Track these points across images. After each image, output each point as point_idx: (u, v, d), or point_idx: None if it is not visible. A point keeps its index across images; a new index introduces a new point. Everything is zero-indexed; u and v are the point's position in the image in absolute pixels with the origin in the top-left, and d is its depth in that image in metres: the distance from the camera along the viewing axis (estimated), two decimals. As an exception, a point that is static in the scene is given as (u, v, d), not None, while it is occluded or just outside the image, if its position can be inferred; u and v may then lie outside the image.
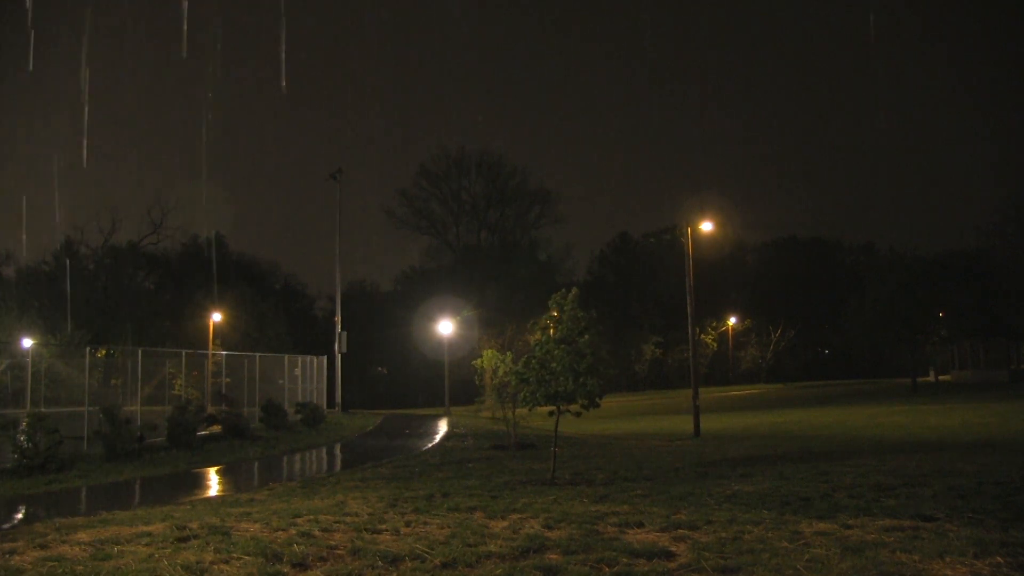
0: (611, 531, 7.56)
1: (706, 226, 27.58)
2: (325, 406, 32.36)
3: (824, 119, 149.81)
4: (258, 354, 29.25)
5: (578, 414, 11.85)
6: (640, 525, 7.79)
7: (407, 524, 8.14)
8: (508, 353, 16.28)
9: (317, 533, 7.64)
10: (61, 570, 6.31)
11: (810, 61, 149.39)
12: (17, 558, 6.80)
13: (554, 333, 11.84)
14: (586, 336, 11.60)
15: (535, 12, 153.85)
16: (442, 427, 27.23)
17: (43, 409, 18.40)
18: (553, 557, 6.51)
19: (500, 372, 15.85)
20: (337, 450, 21.01)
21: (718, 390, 64.34)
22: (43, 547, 7.23)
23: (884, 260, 57.09)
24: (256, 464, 17.75)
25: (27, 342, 34.93)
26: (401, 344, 65.42)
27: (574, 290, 12.05)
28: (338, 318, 39.99)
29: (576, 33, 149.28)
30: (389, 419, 33.18)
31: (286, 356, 32.08)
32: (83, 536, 7.75)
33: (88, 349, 23.15)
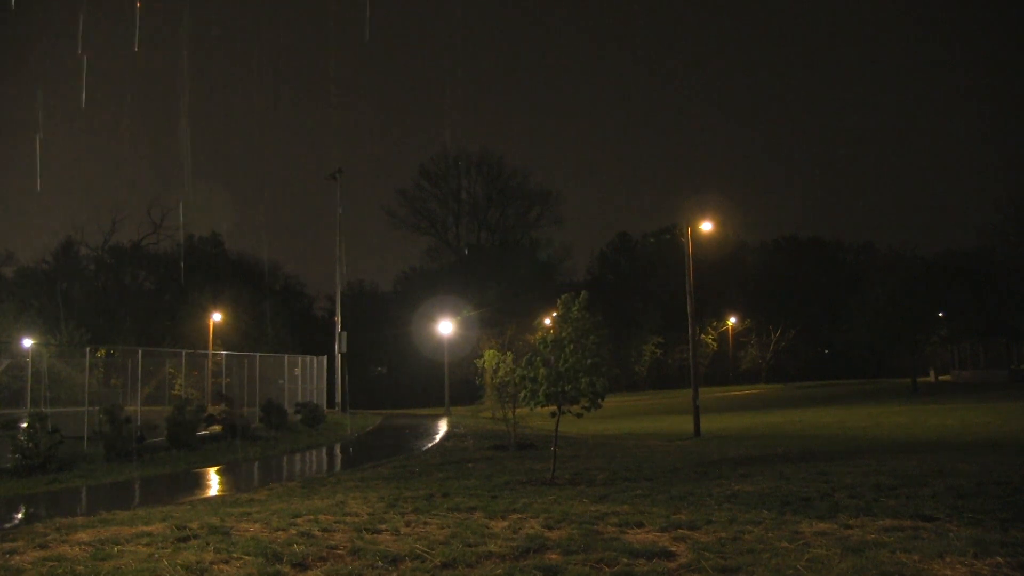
0: (611, 531, 7.55)
1: (706, 226, 27.63)
2: (325, 406, 32.35)
3: (824, 119, 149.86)
4: (258, 354, 29.23)
5: (580, 415, 11.88)
6: (640, 525, 7.78)
7: (407, 524, 8.13)
8: (508, 353, 16.26)
9: (317, 533, 7.63)
10: (61, 570, 6.30)
11: (810, 61, 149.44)
12: (17, 558, 6.79)
13: (559, 333, 11.87)
14: (592, 337, 11.66)
15: (535, 12, 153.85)
16: (442, 427, 27.22)
17: (43, 409, 18.39)
18: (553, 557, 6.50)
19: (500, 372, 15.83)
20: (337, 450, 21.00)
21: (718, 390, 64.33)
22: (43, 547, 7.22)
23: (884, 260, 57.17)
24: (256, 464, 17.75)
25: (27, 342, 34.87)
26: (401, 344, 65.42)
27: (583, 293, 12.11)
28: (338, 318, 40.00)
29: (576, 33, 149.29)
30: (389, 419, 33.19)
31: (286, 356, 32.07)
32: (83, 536, 7.74)
33: (88, 349, 23.13)
